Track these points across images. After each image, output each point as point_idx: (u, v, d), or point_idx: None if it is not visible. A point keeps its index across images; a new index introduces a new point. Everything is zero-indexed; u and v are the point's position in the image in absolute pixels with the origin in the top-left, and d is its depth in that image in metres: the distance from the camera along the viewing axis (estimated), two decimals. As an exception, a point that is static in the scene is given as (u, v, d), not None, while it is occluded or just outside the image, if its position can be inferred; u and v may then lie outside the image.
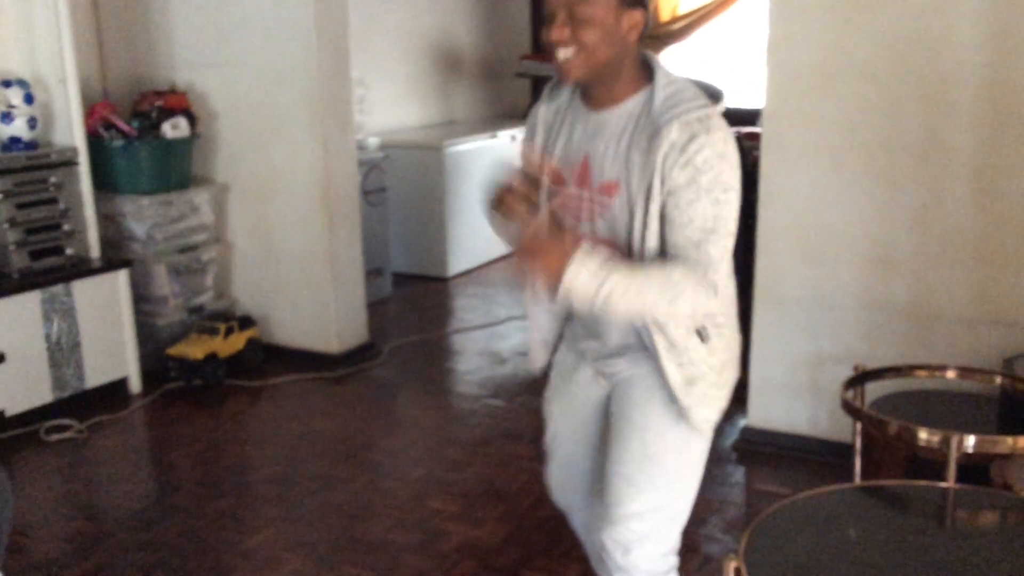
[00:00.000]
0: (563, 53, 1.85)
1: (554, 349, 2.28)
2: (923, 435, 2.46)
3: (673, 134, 1.81)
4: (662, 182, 1.84)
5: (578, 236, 1.93)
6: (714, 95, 1.91)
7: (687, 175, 1.82)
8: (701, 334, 2.00)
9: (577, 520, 2.44)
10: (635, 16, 1.86)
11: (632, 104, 1.91)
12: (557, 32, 1.84)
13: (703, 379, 2.02)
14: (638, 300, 1.82)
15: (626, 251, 1.94)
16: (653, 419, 2.06)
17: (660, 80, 1.89)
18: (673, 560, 2.17)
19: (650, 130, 1.85)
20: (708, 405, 2.05)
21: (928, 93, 3.31)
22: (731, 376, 2.12)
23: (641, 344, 2.04)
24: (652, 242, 1.89)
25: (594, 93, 1.95)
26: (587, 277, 1.79)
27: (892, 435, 2.53)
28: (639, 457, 2.06)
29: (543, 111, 2.07)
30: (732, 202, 1.86)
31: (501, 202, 1.98)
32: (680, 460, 2.09)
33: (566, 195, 1.99)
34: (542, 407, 2.36)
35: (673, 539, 2.15)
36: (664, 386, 2.02)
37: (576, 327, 2.19)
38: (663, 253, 1.92)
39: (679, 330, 1.97)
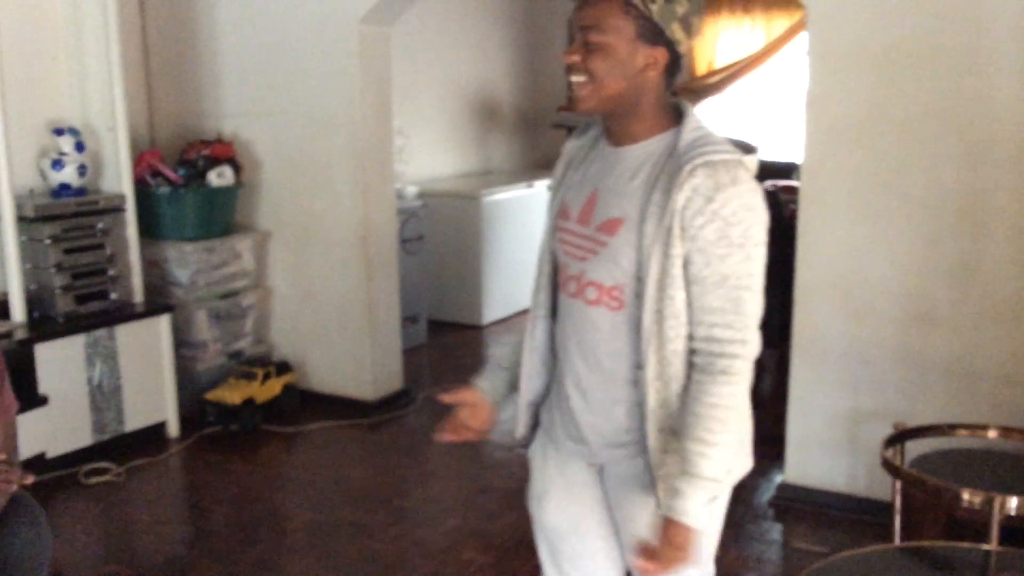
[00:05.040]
0: (574, 78, 1.77)
1: (535, 421, 2.06)
2: (965, 496, 2.43)
3: (697, 178, 1.69)
4: (682, 228, 1.71)
5: (677, 523, 1.71)
6: (746, 148, 1.84)
7: (716, 228, 1.69)
8: None
9: None
10: (654, 53, 1.74)
11: (653, 144, 1.80)
12: (570, 55, 1.76)
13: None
14: (729, 446, 1.74)
15: (632, 296, 1.78)
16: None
17: (689, 124, 1.78)
18: None
19: (672, 169, 1.73)
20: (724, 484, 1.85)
21: (968, 151, 3.32)
22: (742, 446, 1.89)
23: (635, 439, 1.84)
24: (675, 291, 1.73)
25: (612, 128, 1.84)
26: (702, 508, 1.71)
27: (933, 495, 2.51)
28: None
29: (569, 146, 1.99)
30: (762, 258, 1.75)
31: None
32: (698, 545, 1.86)
33: (565, 231, 1.88)
34: (529, 505, 2.11)
35: None
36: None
37: (555, 420, 1.98)
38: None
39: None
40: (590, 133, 1.95)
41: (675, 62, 1.79)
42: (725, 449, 1.73)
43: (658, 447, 1.79)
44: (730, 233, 1.70)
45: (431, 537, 3.58)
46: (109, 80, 4.29)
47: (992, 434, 2.89)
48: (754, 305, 1.75)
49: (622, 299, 1.79)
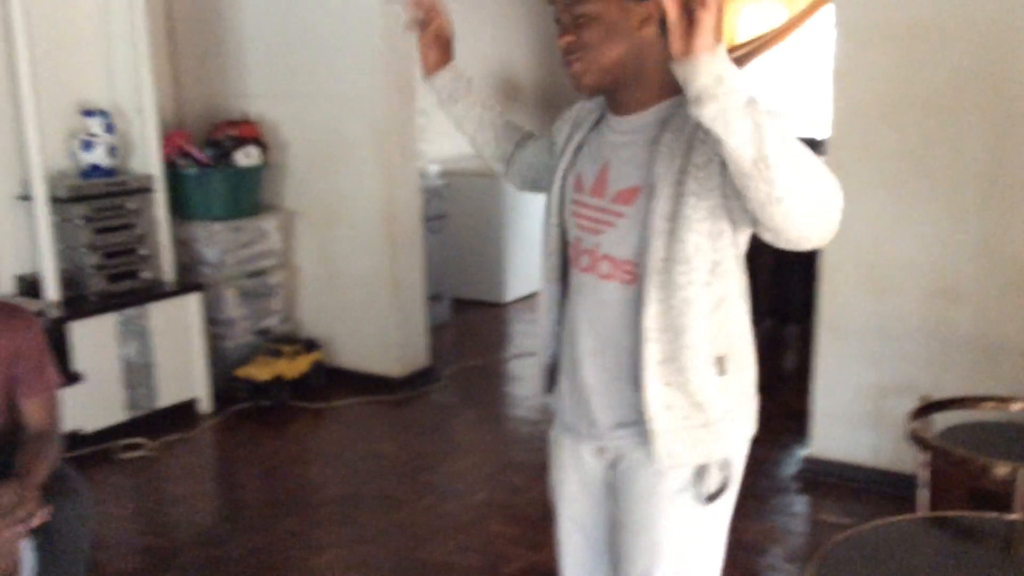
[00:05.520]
0: (572, 58, 1.68)
1: (552, 382, 1.99)
2: (991, 467, 2.45)
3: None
4: (693, 158, 1.59)
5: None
6: None
7: None
8: (721, 363, 1.73)
9: None
10: (647, 7, 1.63)
11: (664, 109, 1.69)
12: (562, 39, 1.68)
13: (718, 422, 1.76)
14: (772, 127, 1.38)
15: (640, 272, 1.69)
16: (668, 507, 1.79)
17: None
18: None
19: (683, 125, 1.63)
20: (732, 447, 1.80)
21: (992, 124, 3.31)
22: (750, 407, 1.83)
23: (640, 417, 1.75)
24: (685, 234, 1.62)
25: (619, 98, 1.73)
26: (730, 65, 1.38)
27: (959, 466, 2.53)
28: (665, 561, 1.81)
29: (576, 109, 1.92)
30: None
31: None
32: (708, 537, 1.84)
33: (580, 204, 1.80)
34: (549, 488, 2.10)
35: None
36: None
37: (565, 405, 1.92)
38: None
39: (695, 363, 1.69)
40: (597, 102, 1.86)
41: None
42: (769, 124, 1.37)
43: (661, 403, 1.70)
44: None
45: (458, 510, 3.63)
46: (136, 62, 4.34)
47: (1017, 407, 2.91)
48: None
49: (635, 272, 1.71)
